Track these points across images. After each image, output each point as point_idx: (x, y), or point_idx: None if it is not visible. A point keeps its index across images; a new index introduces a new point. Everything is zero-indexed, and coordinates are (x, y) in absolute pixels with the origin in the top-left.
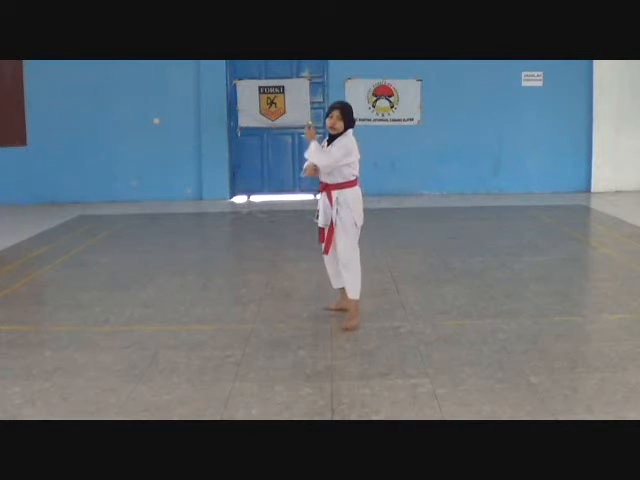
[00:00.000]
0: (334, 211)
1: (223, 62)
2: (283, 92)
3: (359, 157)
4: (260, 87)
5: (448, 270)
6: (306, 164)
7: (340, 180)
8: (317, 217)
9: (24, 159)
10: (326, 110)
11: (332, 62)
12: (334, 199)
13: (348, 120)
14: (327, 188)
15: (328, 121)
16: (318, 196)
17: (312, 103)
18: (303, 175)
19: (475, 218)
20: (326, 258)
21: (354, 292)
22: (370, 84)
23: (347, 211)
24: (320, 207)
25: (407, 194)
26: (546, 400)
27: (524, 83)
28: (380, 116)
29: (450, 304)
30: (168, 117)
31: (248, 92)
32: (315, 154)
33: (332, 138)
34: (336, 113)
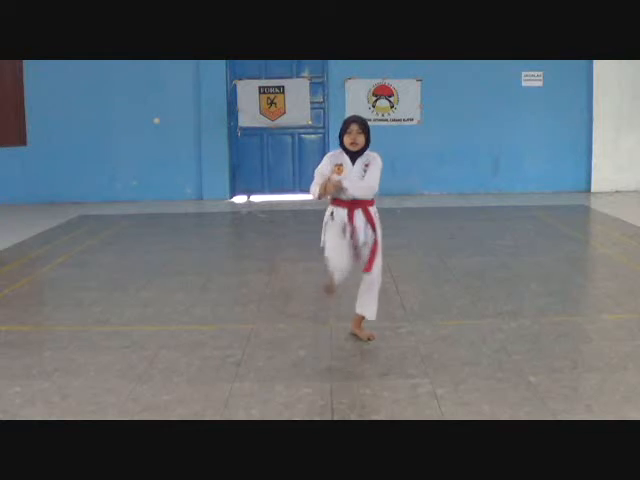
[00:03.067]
0: (378, 229)
1: (223, 62)
2: (283, 92)
3: None
4: (260, 87)
5: (448, 270)
6: (321, 187)
7: (372, 196)
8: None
9: (24, 159)
10: (324, 110)
11: (332, 62)
12: (373, 215)
13: (368, 133)
14: (360, 205)
15: (347, 138)
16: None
17: (312, 103)
18: (319, 199)
19: (475, 218)
20: (338, 258)
21: (375, 313)
22: (370, 84)
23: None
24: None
25: (407, 194)
26: (546, 400)
27: (524, 83)
28: (380, 116)
29: (450, 304)
30: (168, 117)
31: (248, 92)
32: (359, 186)
33: (353, 155)
34: (355, 127)
